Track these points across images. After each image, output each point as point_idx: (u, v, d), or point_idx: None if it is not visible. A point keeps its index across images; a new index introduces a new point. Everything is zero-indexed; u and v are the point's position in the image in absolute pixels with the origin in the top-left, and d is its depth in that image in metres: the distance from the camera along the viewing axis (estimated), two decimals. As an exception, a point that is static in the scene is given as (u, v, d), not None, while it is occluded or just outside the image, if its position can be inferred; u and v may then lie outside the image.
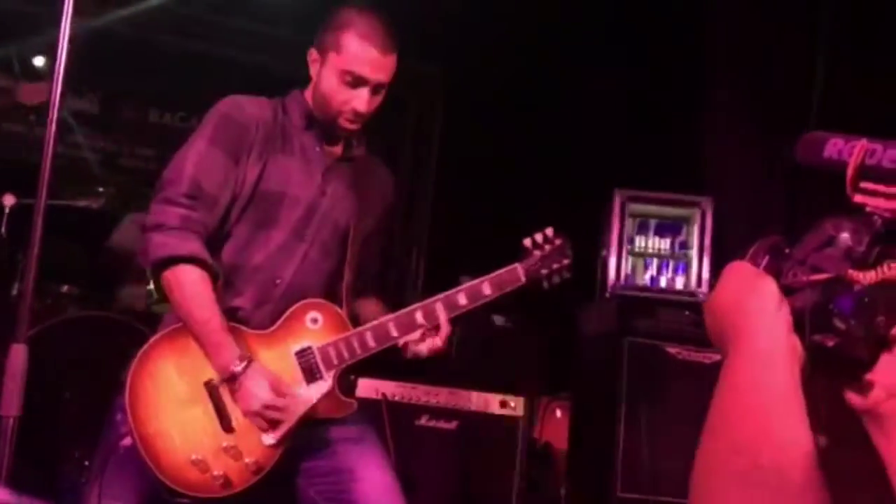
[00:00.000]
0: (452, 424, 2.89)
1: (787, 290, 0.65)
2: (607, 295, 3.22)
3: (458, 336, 3.07)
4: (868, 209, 0.66)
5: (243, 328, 1.57)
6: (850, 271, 0.63)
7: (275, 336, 1.58)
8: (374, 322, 1.59)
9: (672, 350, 2.81)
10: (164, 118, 4.13)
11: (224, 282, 1.58)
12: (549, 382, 3.43)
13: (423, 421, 2.87)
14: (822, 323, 0.62)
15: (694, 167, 3.56)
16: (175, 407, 1.51)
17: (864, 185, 0.66)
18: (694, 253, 3.19)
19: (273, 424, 1.51)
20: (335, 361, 1.57)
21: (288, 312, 1.59)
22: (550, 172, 3.76)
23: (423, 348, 1.57)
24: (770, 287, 0.66)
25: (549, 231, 1.61)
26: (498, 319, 3.25)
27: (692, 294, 3.05)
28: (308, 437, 1.57)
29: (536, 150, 3.82)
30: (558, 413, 3.56)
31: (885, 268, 0.63)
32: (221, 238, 1.60)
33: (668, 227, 3.27)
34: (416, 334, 1.58)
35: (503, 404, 2.92)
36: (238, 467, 1.50)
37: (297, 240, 1.62)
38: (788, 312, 0.64)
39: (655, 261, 3.27)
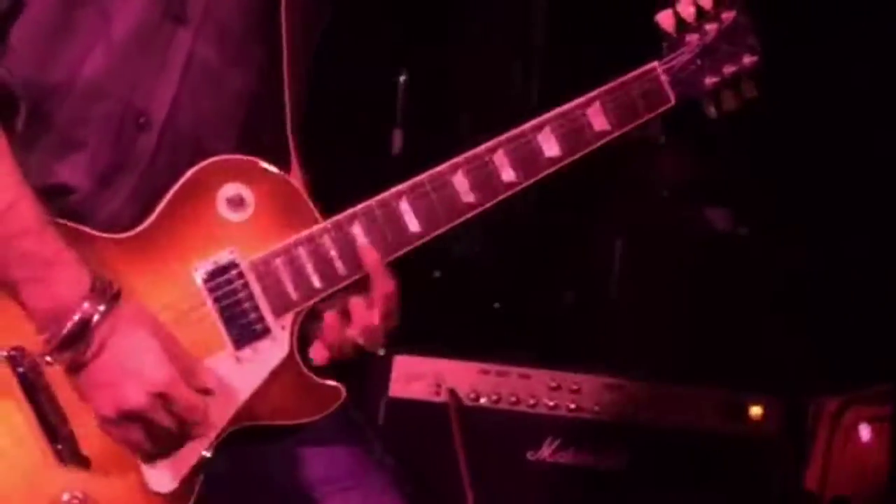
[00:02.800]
0: (617, 459, 2.94)
1: None
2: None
3: (620, 253, 3.05)
4: None
5: (86, 231, 1.61)
6: None
7: (152, 243, 1.63)
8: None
9: None
10: None
11: (24, 127, 1.63)
12: (837, 365, 3.44)
13: (545, 451, 2.92)
14: None
15: None
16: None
17: None
18: None
19: (171, 443, 1.55)
20: (293, 295, 1.61)
21: (176, 189, 1.63)
22: None
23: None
24: None
25: None
26: (716, 216, 3.23)
27: None
28: (242, 468, 1.65)
29: None
30: (864, 432, 3.52)
31: None
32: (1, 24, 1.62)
33: None
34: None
35: (731, 412, 2.98)
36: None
37: (169, 19, 1.66)
38: None
39: None
